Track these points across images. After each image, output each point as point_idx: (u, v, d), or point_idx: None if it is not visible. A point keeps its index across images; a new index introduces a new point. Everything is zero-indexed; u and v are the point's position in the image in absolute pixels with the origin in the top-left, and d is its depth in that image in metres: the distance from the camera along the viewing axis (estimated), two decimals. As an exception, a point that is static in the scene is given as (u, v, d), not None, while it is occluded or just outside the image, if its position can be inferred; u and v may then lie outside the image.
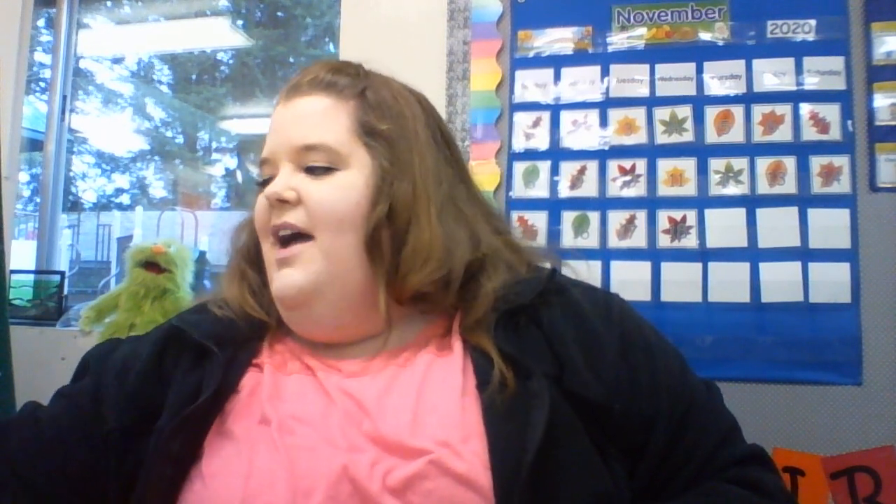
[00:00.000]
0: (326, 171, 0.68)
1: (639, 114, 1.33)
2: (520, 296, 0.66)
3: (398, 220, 0.67)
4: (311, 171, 0.68)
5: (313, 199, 0.67)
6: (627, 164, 1.32)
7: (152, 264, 1.55)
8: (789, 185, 1.25)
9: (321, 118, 0.69)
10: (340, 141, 0.68)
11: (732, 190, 1.27)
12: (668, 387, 0.66)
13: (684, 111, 1.31)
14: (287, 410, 0.63)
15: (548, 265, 0.75)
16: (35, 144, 2.11)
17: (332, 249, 0.66)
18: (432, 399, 0.61)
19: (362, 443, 0.59)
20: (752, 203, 1.25)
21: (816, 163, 1.24)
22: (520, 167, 1.37)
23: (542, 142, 1.37)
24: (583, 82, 1.36)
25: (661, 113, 1.32)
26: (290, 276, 0.66)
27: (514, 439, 0.56)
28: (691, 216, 1.28)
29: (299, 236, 0.67)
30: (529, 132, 1.38)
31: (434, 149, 0.72)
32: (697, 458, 0.64)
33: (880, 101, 1.23)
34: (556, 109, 1.37)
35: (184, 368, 0.68)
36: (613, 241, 1.31)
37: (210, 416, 0.64)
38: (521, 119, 1.38)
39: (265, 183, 0.70)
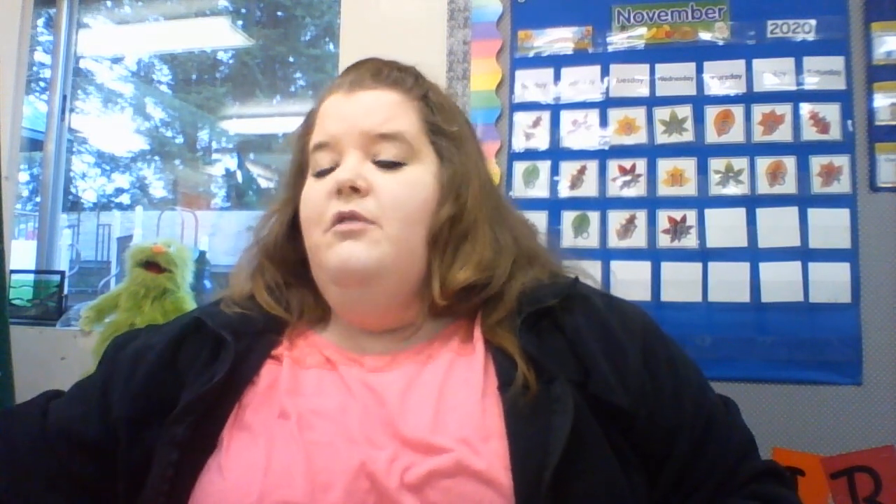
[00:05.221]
0: (396, 165, 0.68)
1: (639, 114, 1.33)
2: (544, 299, 0.66)
3: (463, 222, 0.69)
4: (381, 164, 0.68)
5: (385, 193, 0.66)
6: (627, 163, 1.32)
7: (152, 264, 1.55)
8: (789, 185, 1.24)
9: (393, 110, 0.70)
10: (413, 135, 0.70)
11: (732, 190, 1.27)
12: (690, 398, 0.66)
13: (684, 111, 1.31)
14: (306, 405, 0.63)
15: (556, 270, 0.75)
16: (35, 144, 2.11)
17: (400, 238, 0.66)
18: (453, 398, 0.61)
19: (381, 438, 0.59)
20: (752, 203, 1.25)
21: (816, 163, 1.24)
22: (520, 167, 1.37)
23: (542, 142, 1.37)
24: (583, 82, 1.36)
25: (661, 113, 1.32)
26: (354, 249, 0.64)
27: (536, 442, 0.56)
28: (691, 216, 1.28)
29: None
30: (529, 132, 1.38)
31: (482, 156, 0.76)
32: (719, 472, 0.64)
33: (880, 101, 1.23)
34: (556, 109, 1.37)
35: (202, 362, 0.67)
36: (613, 241, 1.30)
37: (226, 407, 0.64)
38: (521, 119, 1.38)
39: (323, 172, 0.69)
